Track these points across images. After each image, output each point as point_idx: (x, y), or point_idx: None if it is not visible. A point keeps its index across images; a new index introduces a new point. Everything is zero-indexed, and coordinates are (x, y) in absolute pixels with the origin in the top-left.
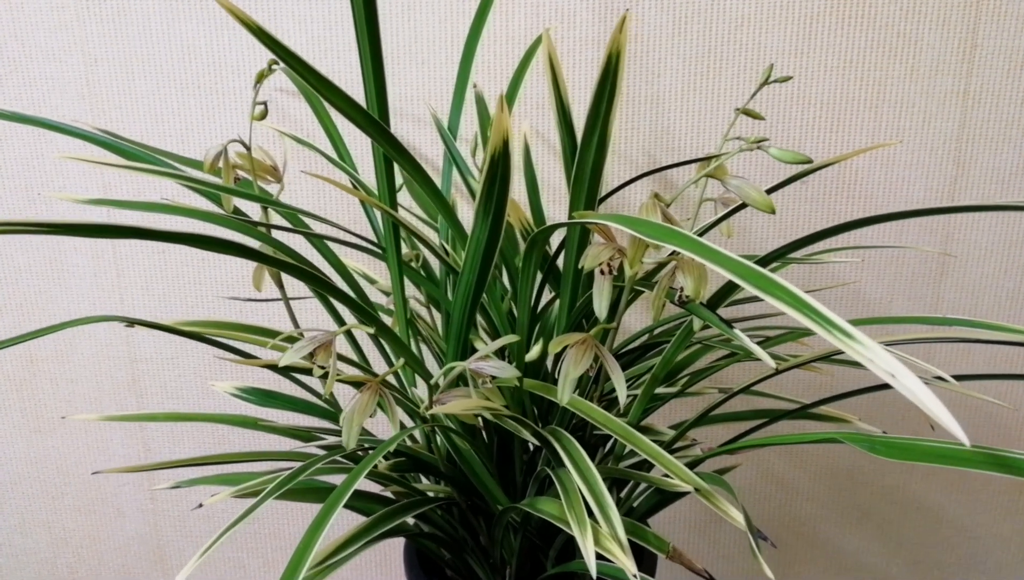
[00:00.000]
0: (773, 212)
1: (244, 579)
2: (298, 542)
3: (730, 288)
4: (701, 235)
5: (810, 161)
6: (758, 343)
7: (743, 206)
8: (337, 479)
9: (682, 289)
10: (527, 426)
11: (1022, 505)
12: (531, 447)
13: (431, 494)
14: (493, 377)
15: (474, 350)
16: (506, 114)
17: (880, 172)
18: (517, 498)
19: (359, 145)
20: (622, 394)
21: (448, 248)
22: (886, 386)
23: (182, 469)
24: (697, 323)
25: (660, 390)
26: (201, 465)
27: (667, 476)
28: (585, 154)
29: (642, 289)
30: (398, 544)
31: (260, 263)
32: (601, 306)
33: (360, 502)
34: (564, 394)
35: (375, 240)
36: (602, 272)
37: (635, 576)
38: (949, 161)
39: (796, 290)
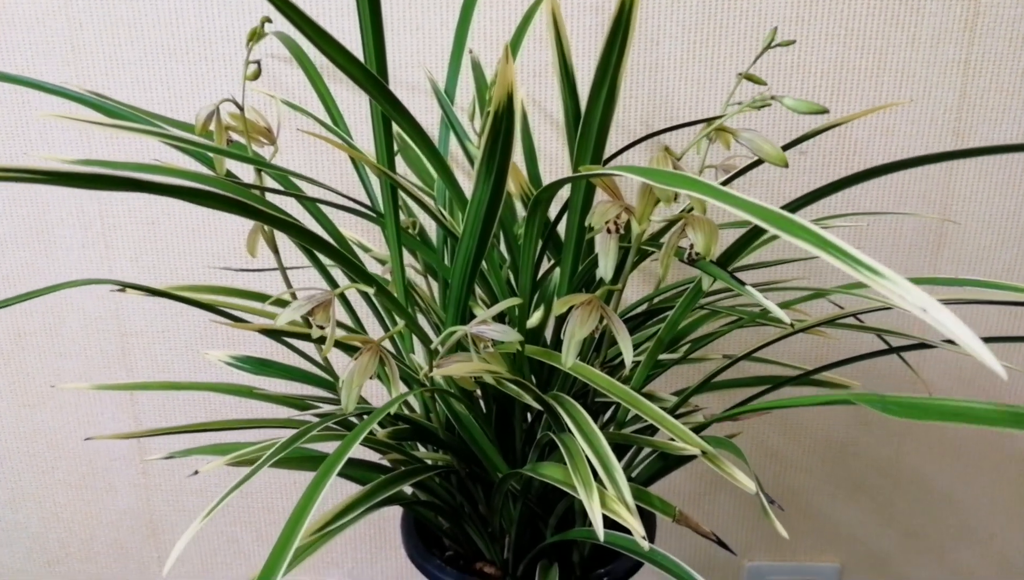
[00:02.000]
0: (786, 165)
1: (237, 553)
2: (291, 511)
3: (739, 247)
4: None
5: (826, 111)
6: (758, 313)
7: (749, 168)
8: (334, 448)
9: (692, 246)
10: (530, 391)
11: (1011, 475)
12: (529, 416)
13: (429, 462)
14: (494, 342)
15: (473, 317)
16: (511, 66)
17: (880, 142)
18: (517, 465)
19: (353, 114)
20: (628, 356)
21: (446, 213)
22: (887, 351)
23: (174, 438)
24: (706, 282)
25: (663, 356)
26: (193, 432)
27: (672, 440)
28: (593, 108)
29: (650, 249)
30: (394, 515)
31: (257, 222)
32: (607, 266)
33: (357, 471)
34: (569, 357)
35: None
36: (608, 231)
37: (644, 538)
38: (948, 132)
39: (819, 230)
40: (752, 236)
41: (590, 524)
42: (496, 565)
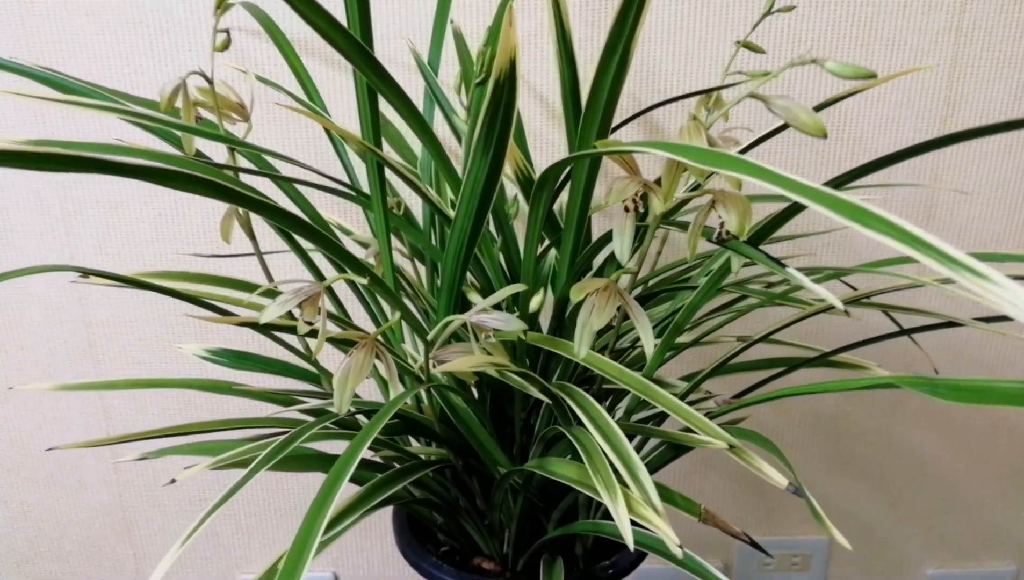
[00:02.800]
0: (824, 136)
1: (217, 547)
2: (272, 505)
3: (771, 225)
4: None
5: (874, 75)
6: (778, 293)
7: (774, 133)
8: (325, 446)
9: (722, 225)
10: (535, 382)
11: (998, 447)
12: (526, 407)
13: (423, 457)
14: (495, 331)
15: (466, 304)
16: (514, 29)
17: (869, 112)
18: (516, 459)
19: (327, 91)
20: (649, 345)
21: (433, 192)
22: (899, 333)
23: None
24: (736, 263)
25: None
26: (169, 436)
27: (689, 431)
28: (602, 77)
29: (669, 227)
30: (384, 509)
31: (231, 205)
32: (623, 247)
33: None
34: (582, 347)
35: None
36: (626, 209)
37: (680, 547)
38: (940, 101)
39: (910, 226)
40: (788, 213)
41: (595, 516)
42: (495, 560)
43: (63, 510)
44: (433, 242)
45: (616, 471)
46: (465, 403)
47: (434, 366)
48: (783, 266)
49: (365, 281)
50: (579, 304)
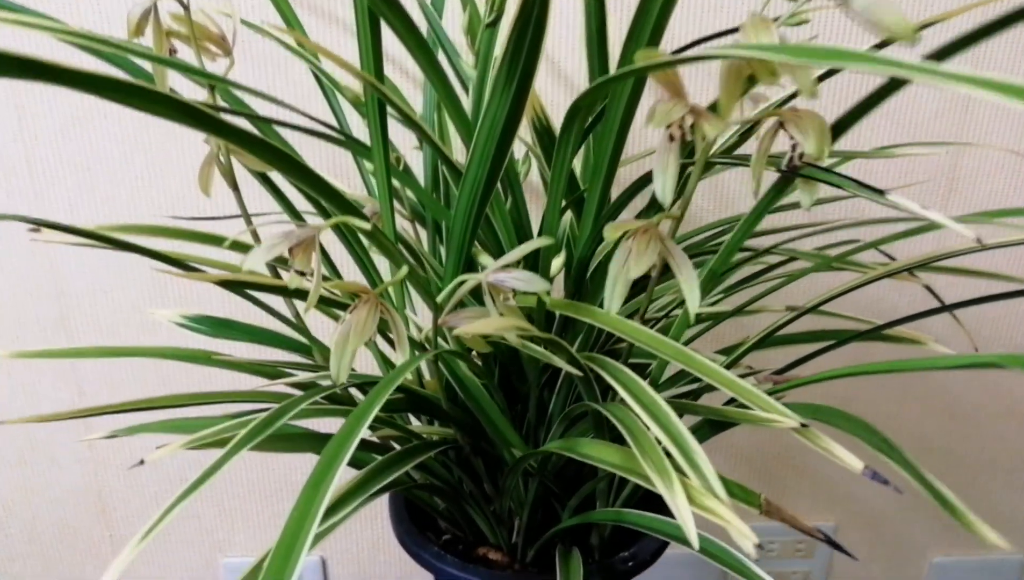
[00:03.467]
0: (914, 40)
1: (199, 530)
2: (257, 486)
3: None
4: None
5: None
6: (834, 257)
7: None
8: (316, 424)
9: (794, 149)
10: (562, 351)
11: (1009, 432)
12: (540, 381)
13: (426, 437)
14: (515, 292)
15: (472, 268)
16: None
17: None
18: (530, 439)
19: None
20: (694, 302)
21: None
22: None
23: (122, 415)
24: (806, 199)
25: (716, 309)
26: (143, 410)
27: (741, 406)
28: None
29: (725, 162)
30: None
31: (211, 151)
32: (666, 187)
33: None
34: (613, 301)
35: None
36: (671, 137)
37: (758, 546)
38: (966, 69)
39: None
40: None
41: (615, 503)
42: (502, 550)
43: (35, 488)
44: (437, 200)
45: (668, 455)
46: (477, 377)
47: (446, 333)
48: (882, 193)
49: (368, 227)
50: (602, 265)
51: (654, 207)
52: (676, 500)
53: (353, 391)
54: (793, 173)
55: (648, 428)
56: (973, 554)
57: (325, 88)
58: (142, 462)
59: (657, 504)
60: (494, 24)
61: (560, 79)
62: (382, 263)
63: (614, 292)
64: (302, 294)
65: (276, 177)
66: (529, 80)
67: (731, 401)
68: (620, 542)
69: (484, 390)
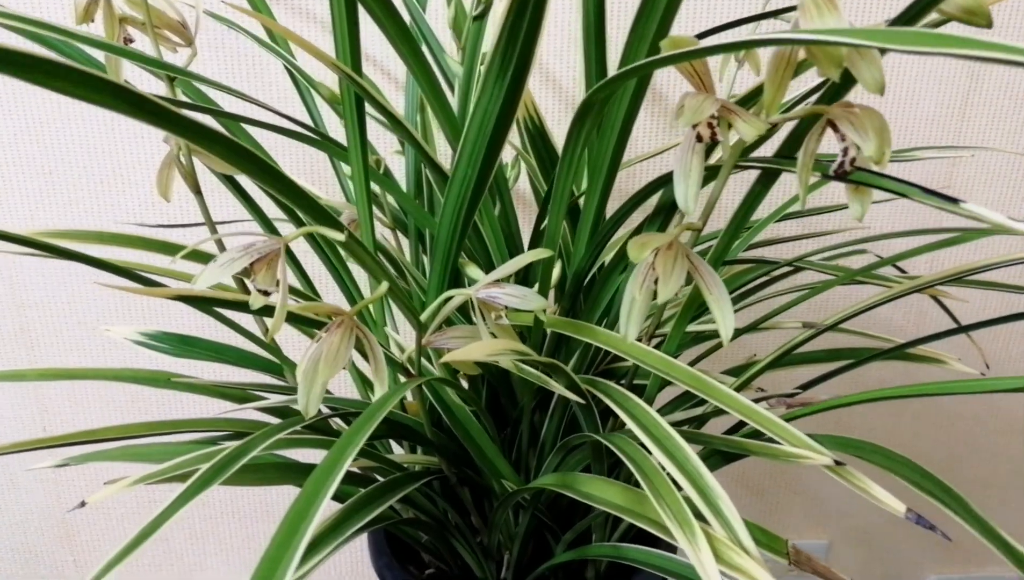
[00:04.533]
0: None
1: (168, 553)
2: (228, 509)
3: None
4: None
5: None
6: (855, 271)
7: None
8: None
9: (846, 153)
10: (561, 376)
11: (1005, 448)
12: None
13: (408, 467)
14: (506, 310)
15: (458, 281)
16: None
17: (890, 84)
18: (522, 470)
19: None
20: (728, 325)
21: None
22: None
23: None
24: (857, 208)
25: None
26: (100, 441)
27: (753, 436)
28: None
29: (753, 165)
30: None
31: (170, 151)
32: (688, 193)
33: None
34: (630, 327)
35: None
36: (698, 138)
37: None
38: (963, 73)
39: None
40: None
41: (613, 537)
42: None
43: None
44: (420, 206)
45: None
46: (464, 402)
47: (431, 353)
48: (955, 201)
49: (342, 237)
50: (597, 279)
51: (660, 216)
52: (701, 556)
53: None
54: (843, 178)
55: (664, 467)
56: (969, 572)
57: (300, 86)
58: (83, 504)
59: (654, 537)
60: (481, 17)
61: (549, 83)
62: (361, 275)
63: (631, 317)
64: (270, 311)
65: (246, 182)
66: (526, 69)
67: (738, 426)
68: (616, 577)
69: (472, 416)
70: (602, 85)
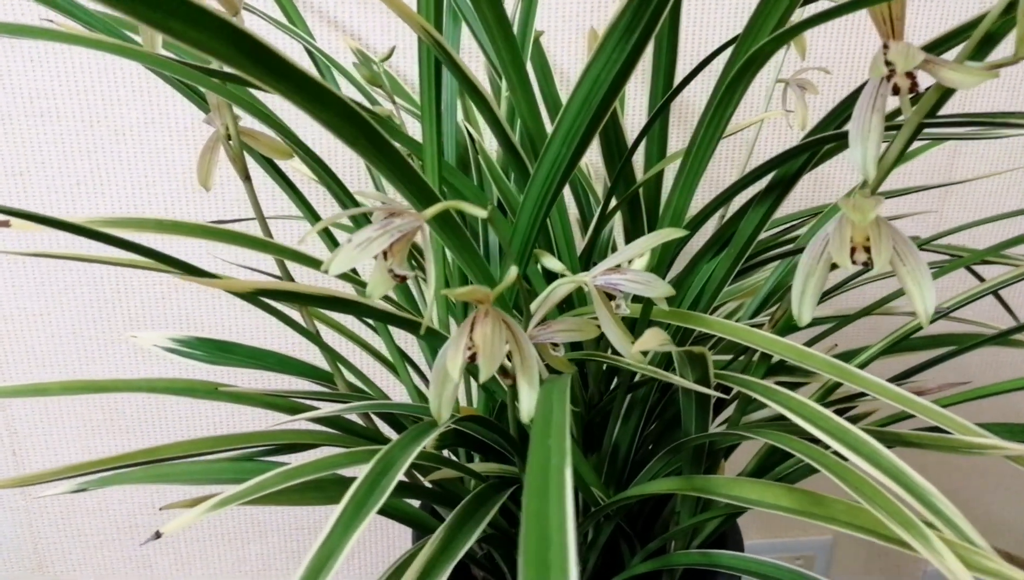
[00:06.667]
0: None
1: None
2: (217, 531)
3: None
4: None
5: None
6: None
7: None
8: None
9: None
10: (696, 367)
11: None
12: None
13: (484, 475)
14: (625, 297)
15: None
16: None
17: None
18: (611, 477)
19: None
20: (927, 301)
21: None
22: None
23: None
24: None
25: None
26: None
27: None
28: None
29: (949, 121)
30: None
31: (217, 129)
32: (868, 154)
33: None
34: (804, 306)
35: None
36: (896, 89)
37: None
38: None
39: None
40: None
41: (693, 544)
42: None
43: None
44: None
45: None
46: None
47: (553, 348)
48: None
49: (485, 213)
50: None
51: (775, 192)
52: (948, 563)
53: (379, 422)
54: None
55: (868, 470)
56: None
57: (321, 68)
58: (158, 535)
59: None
60: None
61: (558, 76)
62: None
63: (805, 294)
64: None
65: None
66: (653, 30)
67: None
68: None
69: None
70: (776, 37)
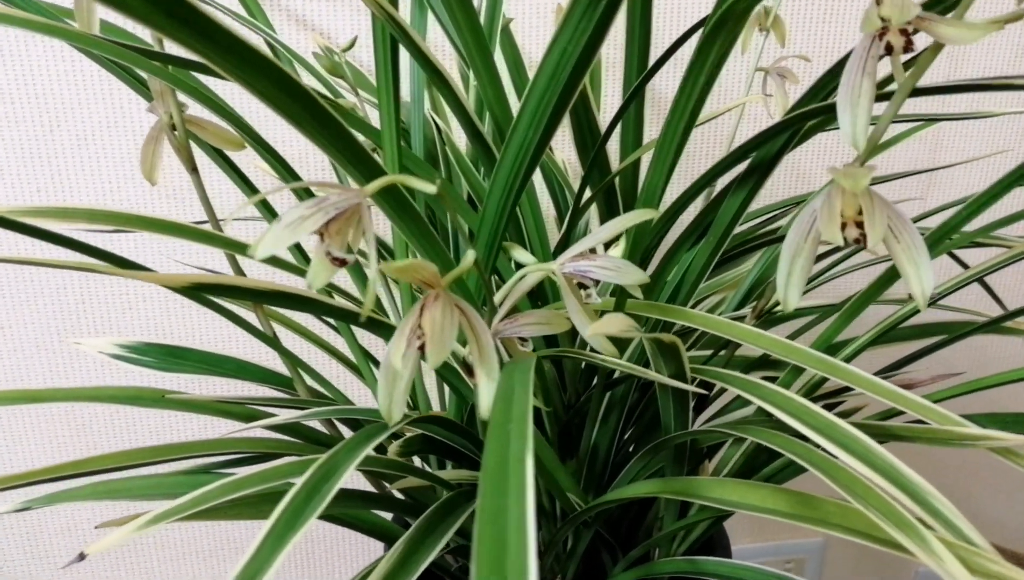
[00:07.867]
0: None
1: None
2: (191, 547)
3: None
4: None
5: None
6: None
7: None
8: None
9: None
10: (671, 361)
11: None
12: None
13: (452, 483)
14: (597, 284)
15: (504, 258)
16: None
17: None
18: (586, 481)
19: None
20: (925, 283)
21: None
22: None
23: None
24: None
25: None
26: (67, 478)
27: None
28: None
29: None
30: (328, 534)
31: (160, 119)
32: (858, 122)
33: (342, 507)
34: (790, 289)
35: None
36: (889, 48)
37: None
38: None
39: None
40: None
41: (680, 550)
42: None
43: None
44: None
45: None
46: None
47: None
48: None
49: (434, 189)
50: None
51: (754, 176)
52: (948, 566)
53: (343, 428)
54: None
55: (854, 467)
56: None
57: (281, 59)
58: (82, 557)
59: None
60: None
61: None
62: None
63: (791, 276)
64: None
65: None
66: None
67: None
68: None
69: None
70: None
